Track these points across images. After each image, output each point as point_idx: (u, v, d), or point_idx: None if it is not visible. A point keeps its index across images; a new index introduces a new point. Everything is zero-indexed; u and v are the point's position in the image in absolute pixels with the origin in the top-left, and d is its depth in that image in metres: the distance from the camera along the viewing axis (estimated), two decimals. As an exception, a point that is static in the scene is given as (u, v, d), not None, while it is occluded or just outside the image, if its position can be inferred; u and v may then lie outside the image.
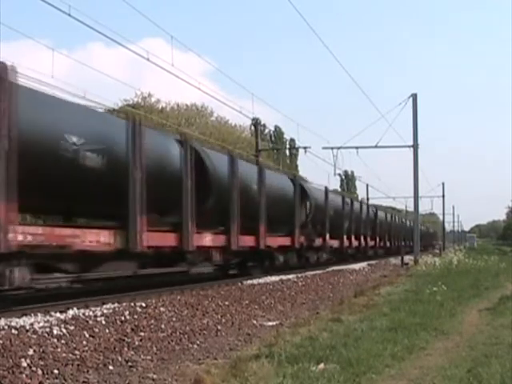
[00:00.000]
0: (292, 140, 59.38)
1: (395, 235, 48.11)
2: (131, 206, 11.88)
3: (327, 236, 25.96)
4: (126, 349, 8.07)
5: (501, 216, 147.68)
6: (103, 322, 9.26)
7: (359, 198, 54.73)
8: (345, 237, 29.63)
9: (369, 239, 35.89)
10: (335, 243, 28.05)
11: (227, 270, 18.57)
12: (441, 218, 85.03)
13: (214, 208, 15.41)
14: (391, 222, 47.13)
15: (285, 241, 21.16)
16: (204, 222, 14.84)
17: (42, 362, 6.89)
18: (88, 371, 6.93)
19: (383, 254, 42.56)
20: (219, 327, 10.28)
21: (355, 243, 32.18)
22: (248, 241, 17.70)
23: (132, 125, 12.20)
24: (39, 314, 9.48)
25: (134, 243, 11.94)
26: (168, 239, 13.68)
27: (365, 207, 37.22)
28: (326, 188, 27.28)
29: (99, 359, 7.42)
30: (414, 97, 30.84)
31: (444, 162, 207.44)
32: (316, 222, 24.69)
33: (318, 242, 25.08)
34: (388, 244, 44.68)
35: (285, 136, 64.67)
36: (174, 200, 13.64)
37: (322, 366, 6.42)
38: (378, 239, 39.13)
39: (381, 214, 43.29)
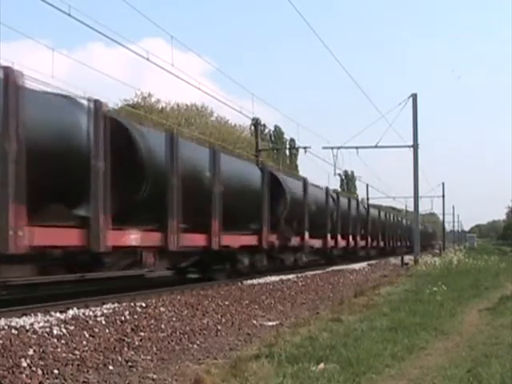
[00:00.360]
0: (292, 140, 59.44)
1: (390, 235, 45.65)
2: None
3: (306, 235, 22.87)
4: (126, 349, 8.07)
5: (501, 216, 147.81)
6: (103, 322, 9.26)
7: (359, 198, 54.58)
8: (329, 236, 26.62)
9: (359, 239, 33.03)
10: (317, 243, 25.10)
11: (185, 274, 16.90)
12: (441, 218, 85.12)
13: (148, 199, 12.62)
14: (385, 220, 44.32)
15: (250, 240, 18.10)
16: (135, 216, 12.41)
17: (42, 362, 6.89)
18: (88, 371, 6.93)
19: (376, 254, 39.73)
20: (219, 327, 10.28)
21: (342, 243, 29.42)
22: (196, 240, 14.70)
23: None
24: (39, 314, 9.49)
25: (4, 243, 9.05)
26: (66, 237, 10.56)
27: (354, 203, 33.94)
28: (304, 180, 24.41)
29: (99, 359, 7.42)
30: (414, 97, 30.86)
31: (444, 162, 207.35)
32: (293, 219, 21.47)
33: (295, 241, 21.91)
34: (382, 244, 41.75)
35: (285, 136, 64.76)
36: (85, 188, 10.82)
37: (321, 365, 6.42)
38: (369, 239, 36.41)
39: (373, 211, 40.72)
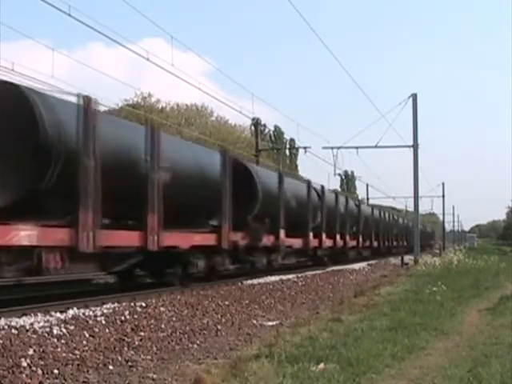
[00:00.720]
0: (292, 140, 59.44)
1: (385, 234, 42.69)
2: None
3: (282, 233, 20.02)
4: (126, 349, 8.07)
5: (501, 216, 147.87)
6: (103, 322, 9.25)
7: (359, 198, 54.50)
8: (311, 235, 23.60)
9: (348, 238, 30.18)
10: (297, 243, 22.33)
11: (131, 279, 14.72)
12: (441, 218, 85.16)
13: (56, 186, 10.28)
14: (380, 218, 41.28)
15: (205, 239, 15.25)
16: (40, 207, 10.28)
17: (41, 362, 6.89)
18: (88, 371, 6.93)
19: (369, 255, 36.83)
20: (219, 327, 10.28)
21: (328, 243, 26.60)
22: (125, 239, 12.06)
23: None
24: (39, 314, 9.48)
25: None
26: None
27: (342, 200, 30.89)
28: (280, 172, 21.84)
29: (99, 359, 7.42)
30: (414, 97, 30.87)
31: (444, 162, 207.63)
32: (265, 215, 18.67)
33: (268, 241, 19.16)
34: (375, 244, 38.41)
35: (285, 136, 64.76)
36: None
37: (321, 365, 6.42)
38: (361, 238, 33.48)
39: (365, 208, 38.10)
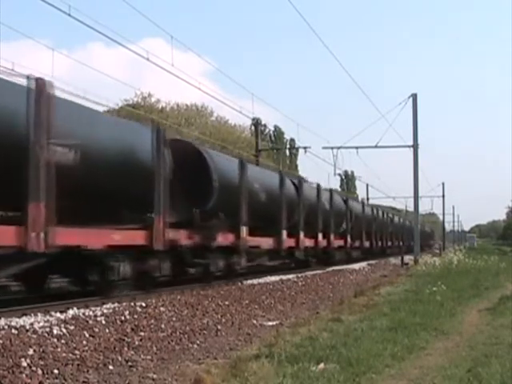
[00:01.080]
0: (292, 140, 59.42)
1: (379, 234, 39.76)
2: None
3: (243, 231, 17.08)
4: (126, 349, 8.07)
5: (501, 216, 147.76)
6: (103, 322, 9.26)
7: (359, 198, 54.41)
8: (284, 233, 20.58)
9: (333, 238, 27.39)
10: (266, 242, 19.46)
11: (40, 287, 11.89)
12: (441, 218, 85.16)
13: None
14: (372, 217, 38.36)
15: (129, 238, 12.18)
16: None
17: (42, 362, 6.89)
18: (88, 371, 6.93)
19: (360, 256, 33.72)
20: (219, 327, 10.28)
21: (308, 243, 23.86)
22: None
23: None
24: (39, 314, 9.49)
25: None
26: None
27: (326, 195, 27.62)
28: (241, 159, 18.20)
29: (99, 359, 7.42)
30: (414, 97, 30.88)
31: (444, 162, 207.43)
32: (223, 209, 15.79)
33: (225, 239, 16.30)
34: (367, 244, 35.40)
35: (285, 136, 64.75)
36: None
37: (321, 365, 6.42)
38: (349, 238, 30.75)
39: (354, 205, 34.92)
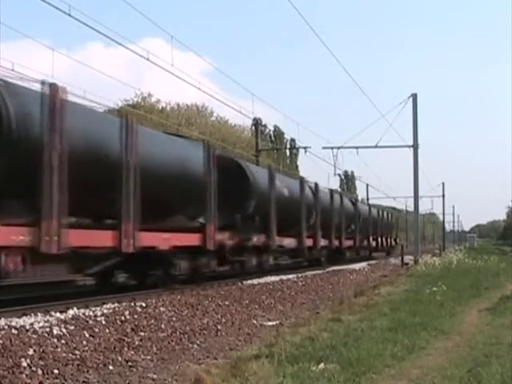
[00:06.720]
0: (292, 140, 59.40)
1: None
2: None
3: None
4: (126, 349, 8.07)
5: (501, 216, 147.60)
6: (103, 322, 9.25)
7: (359, 198, 54.32)
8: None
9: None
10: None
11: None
12: (441, 218, 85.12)
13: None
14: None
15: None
16: None
17: (42, 362, 6.89)
18: (88, 371, 6.93)
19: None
20: (219, 327, 10.28)
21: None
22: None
23: None
24: (39, 314, 9.49)
25: None
26: None
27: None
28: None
29: (99, 359, 7.42)
30: (414, 97, 30.91)
31: (444, 162, 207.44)
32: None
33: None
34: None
35: (285, 136, 64.72)
36: None
37: (322, 365, 6.42)
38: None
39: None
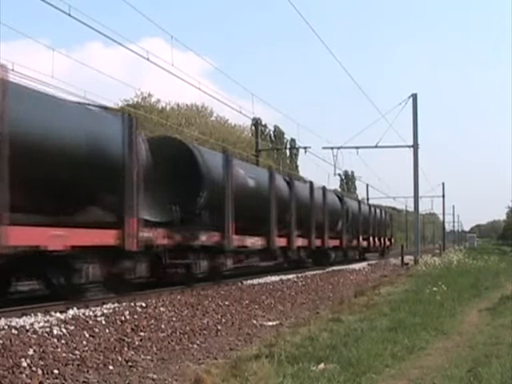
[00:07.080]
0: (292, 140, 59.40)
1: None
2: None
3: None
4: (126, 349, 8.07)
5: (501, 216, 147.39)
6: (103, 322, 9.25)
7: (359, 198, 54.32)
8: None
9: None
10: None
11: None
12: (441, 217, 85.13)
13: None
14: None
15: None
16: None
17: (42, 362, 6.89)
18: (88, 371, 6.94)
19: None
20: (219, 327, 10.29)
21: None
22: None
23: None
24: (39, 314, 9.48)
25: None
26: None
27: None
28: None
29: (99, 359, 7.42)
30: (414, 97, 30.93)
31: (444, 162, 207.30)
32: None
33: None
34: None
35: (285, 136, 64.72)
36: None
37: (322, 365, 6.42)
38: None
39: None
